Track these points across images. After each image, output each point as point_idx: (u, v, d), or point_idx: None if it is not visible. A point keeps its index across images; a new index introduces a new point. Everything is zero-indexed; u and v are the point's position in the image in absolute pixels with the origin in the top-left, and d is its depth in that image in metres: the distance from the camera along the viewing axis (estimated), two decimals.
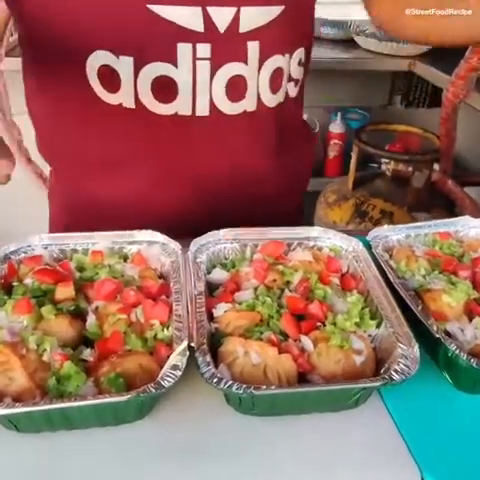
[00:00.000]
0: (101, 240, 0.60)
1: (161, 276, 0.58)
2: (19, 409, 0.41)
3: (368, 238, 0.63)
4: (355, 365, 0.48)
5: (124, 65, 0.62)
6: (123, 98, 0.64)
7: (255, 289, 0.55)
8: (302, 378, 0.48)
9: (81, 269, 0.57)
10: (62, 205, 0.81)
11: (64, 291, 0.52)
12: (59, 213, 0.83)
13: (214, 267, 0.60)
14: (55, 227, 0.84)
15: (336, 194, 1.86)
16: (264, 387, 0.43)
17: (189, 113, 0.65)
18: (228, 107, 0.66)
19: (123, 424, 0.46)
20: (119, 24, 0.60)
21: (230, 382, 0.43)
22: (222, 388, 0.43)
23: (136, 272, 0.56)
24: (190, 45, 0.61)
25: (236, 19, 0.62)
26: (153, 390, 0.42)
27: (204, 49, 0.62)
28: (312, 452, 0.45)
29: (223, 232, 0.62)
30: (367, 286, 0.56)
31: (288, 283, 0.56)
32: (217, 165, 0.70)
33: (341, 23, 1.80)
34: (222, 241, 0.61)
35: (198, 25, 0.60)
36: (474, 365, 0.46)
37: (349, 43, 1.79)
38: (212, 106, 0.65)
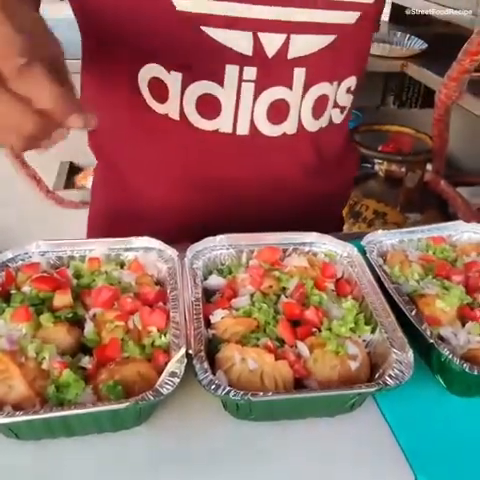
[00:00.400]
0: (98, 247, 0.60)
1: (158, 283, 0.59)
2: (20, 418, 0.41)
3: (362, 243, 0.63)
4: (350, 370, 0.48)
5: (173, 80, 0.64)
6: (169, 109, 0.67)
7: (251, 295, 0.55)
8: (298, 383, 0.49)
9: (78, 276, 0.57)
10: (104, 201, 0.84)
11: (62, 299, 0.52)
12: (99, 209, 0.86)
13: (210, 273, 0.60)
14: (94, 222, 0.88)
15: None
16: (261, 393, 0.44)
17: (230, 131, 0.67)
18: (268, 129, 0.68)
19: (121, 430, 0.47)
20: (173, 42, 0.62)
21: (228, 389, 0.44)
22: (220, 395, 0.44)
23: (133, 279, 0.57)
24: (237, 67, 0.63)
25: (285, 45, 0.63)
26: (152, 398, 0.43)
27: (251, 72, 0.63)
28: (308, 456, 0.46)
29: (219, 238, 0.62)
30: (362, 291, 0.57)
31: (284, 289, 0.57)
32: (253, 180, 0.73)
33: None
34: (218, 247, 0.62)
35: (247, 49, 0.62)
36: (467, 370, 0.47)
37: None
38: (252, 127, 0.67)
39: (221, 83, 0.64)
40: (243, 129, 0.67)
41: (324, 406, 0.47)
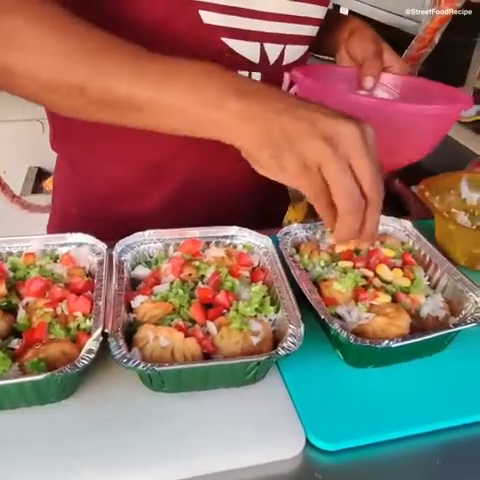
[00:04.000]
0: (35, 243, 0.66)
1: (90, 274, 0.64)
2: None
3: (278, 235, 0.70)
4: (252, 345, 0.55)
5: None
6: None
7: (171, 283, 0.61)
8: (208, 359, 0.55)
9: (15, 269, 0.63)
10: (76, 195, 0.89)
11: None
12: (71, 204, 0.90)
13: (138, 264, 0.66)
14: (64, 216, 0.92)
15: (290, 195, 1.94)
16: (167, 364, 0.50)
17: None
18: None
19: (48, 404, 0.53)
20: (196, 50, 0.65)
21: (138, 361, 0.50)
22: (131, 367, 0.50)
23: (65, 271, 0.63)
24: (247, 73, 0.73)
25: (282, 54, 0.76)
26: (68, 370, 0.49)
27: (256, 77, 0.74)
28: (215, 422, 0.52)
29: (148, 233, 0.68)
30: (272, 278, 0.63)
31: (202, 277, 0.63)
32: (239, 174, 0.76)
33: None
34: (147, 241, 0.68)
35: (255, 57, 0.73)
36: (351, 341, 0.54)
37: None
38: None
39: None
40: None
41: (227, 375, 0.54)
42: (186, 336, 0.54)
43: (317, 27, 0.79)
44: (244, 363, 0.52)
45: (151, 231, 0.69)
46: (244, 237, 0.70)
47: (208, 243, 0.69)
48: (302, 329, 0.54)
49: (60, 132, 0.84)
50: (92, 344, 0.51)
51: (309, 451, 0.52)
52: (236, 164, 0.57)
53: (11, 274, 0.62)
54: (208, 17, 0.67)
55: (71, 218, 0.90)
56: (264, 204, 0.90)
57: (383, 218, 0.75)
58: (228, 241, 0.70)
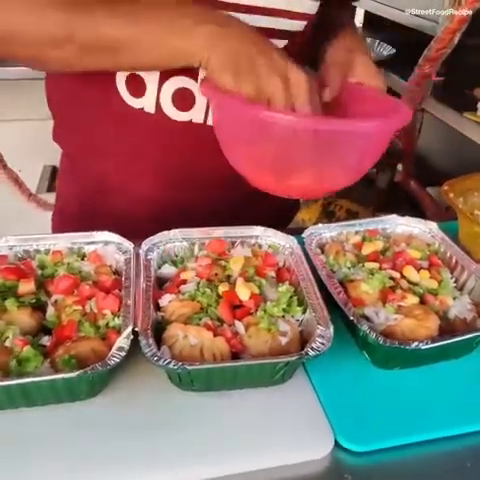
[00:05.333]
0: (62, 241, 0.66)
1: (116, 272, 0.65)
2: None
3: (303, 235, 0.70)
4: (280, 345, 0.55)
5: (151, 76, 0.71)
6: (145, 104, 0.73)
7: (198, 282, 0.62)
8: (236, 358, 0.55)
9: (43, 267, 0.63)
10: (74, 190, 0.89)
11: (26, 286, 0.58)
12: (70, 198, 0.91)
13: (165, 263, 0.66)
14: (63, 210, 0.93)
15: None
16: (197, 363, 0.50)
17: (201, 121, 0.74)
18: None
19: (78, 401, 0.53)
20: None
21: (168, 360, 0.50)
22: (162, 365, 0.50)
23: (92, 268, 0.63)
24: None
25: None
26: (100, 368, 0.49)
27: None
28: (243, 422, 0.52)
29: (173, 232, 0.68)
30: (298, 278, 0.63)
31: (229, 277, 0.63)
32: (221, 166, 0.77)
33: None
34: (172, 240, 0.68)
35: None
36: (381, 342, 0.54)
37: None
38: None
39: (195, 78, 0.71)
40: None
41: (256, 375, 0.54)
42: (215, 335, 0.55)
43: (301, 21, 0.74)
44: (273, 363, 0.52)
45: (176, 230, 0.69)
46: (269, 237, 0.70)
47: (233, 243, 0.69)
48: (331, 330, 0.54)
49: (60, 123, 0.85)
50: (123, 342, 0.52)
51: (337, 452, 0.52)
52: None
53: (39, 272, 0.62)
54: None
55: (70, 210, 0.91)
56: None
57: (408, 219, 0.75)
58: (253, 241, 0.70)
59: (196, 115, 0.74)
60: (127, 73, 0.71)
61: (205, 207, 0.80)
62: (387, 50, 1.91)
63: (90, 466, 0.48)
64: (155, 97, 0.72)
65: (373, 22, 2.15)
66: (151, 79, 0.71)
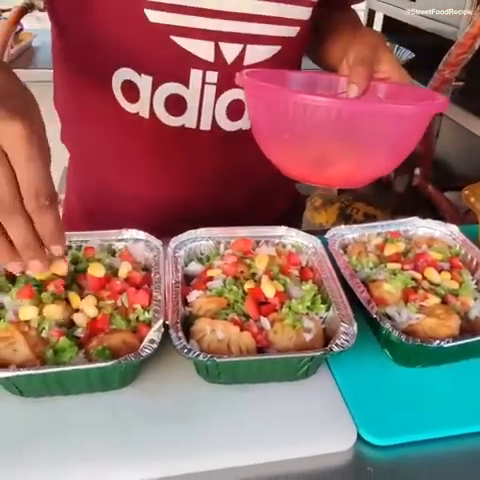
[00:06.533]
0: (93, 238, 0.69)
1: (145, 268, 0.67)
2: (21, 372, 0.49)
3: (326, 236, 0.72)
4: (305, 341, 0.57)
5: (144, 82, 0.73)
6: (140, 109, 0.76)
7: (224, 279, 0.64)
8: (261, 353, 0.57)
9: (76, 262, 0.66)
10: (78, 191, 0.93)
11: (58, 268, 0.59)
12: (75, 198, 0.94)
13: (191, 261, 0.69)
14: (69, 211, 0.96)
15: (322, 198, 1.95)
16: (226, 356, 0.52)
17: (194, 126, 0.77)
18: (227, 125, 0.78)
19: (110, 390, 0.55)
20: (145, 49, 0.71)
21: (198, 352, 0.52)
22: (191, 357, 0.52)
23: (123, 265, 0.65)
24: (201, 71, 0.73)
25: (242, 54, 0.74)
26: (132, 359, 0.51)
27: (212, 76, 0.74)
28: (268, 415, 0.54)
29: (199, 231, 0.71)
30: (321, 277, 0.65)
31: (254, 274, 0.65)
32: (216, 169, 0.83)
33: None
34: (198, 238, 0.71)
35: (209, 56, 0.72)
36: (403, 340, 0.55)
37: None
38: (214, 123, 0.77)
39: (187, 85, 0.74)
40: (205, 125, 0.77)
41: (281, 369, 0.56)
42: (241, 330, 0.56)
43: (294, 27, 0.76)
44: (298, 358, 0.54)
45: (203, 229, 0.71)
46: (292, 237, 0.72)
47: (258, 242, 0.71)
48: (355, 327, 0.56)
49: (66, 125, 0.88)
50: (154, 335, 0.54)
51: (360, 445, 0.53)
52: None
53: (72, 267, 0.65)
54: (155, 16, 0.68)
55: (76, 210, 0.94)
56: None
57: (429, 222, 0.76)
58: (277, 240, 0.72)
59: (188, 120, 0.76)
60: (122, 79, 0.74)
61: (204, 207, 0.83)
62: (406, 54, 1.93)
63: (118, 452, 0.50)
64: (149, 103, 0.75)
65: (392, 26, 2.17)
66: (144, 85, 0.73)
